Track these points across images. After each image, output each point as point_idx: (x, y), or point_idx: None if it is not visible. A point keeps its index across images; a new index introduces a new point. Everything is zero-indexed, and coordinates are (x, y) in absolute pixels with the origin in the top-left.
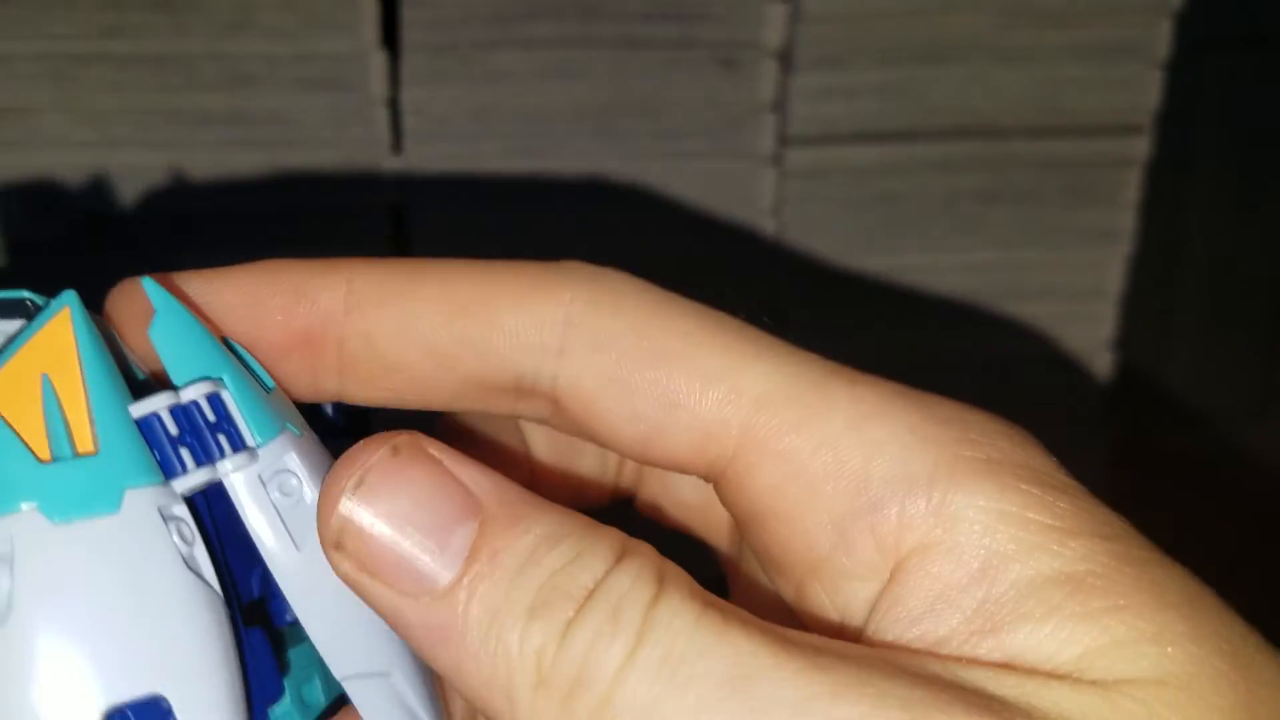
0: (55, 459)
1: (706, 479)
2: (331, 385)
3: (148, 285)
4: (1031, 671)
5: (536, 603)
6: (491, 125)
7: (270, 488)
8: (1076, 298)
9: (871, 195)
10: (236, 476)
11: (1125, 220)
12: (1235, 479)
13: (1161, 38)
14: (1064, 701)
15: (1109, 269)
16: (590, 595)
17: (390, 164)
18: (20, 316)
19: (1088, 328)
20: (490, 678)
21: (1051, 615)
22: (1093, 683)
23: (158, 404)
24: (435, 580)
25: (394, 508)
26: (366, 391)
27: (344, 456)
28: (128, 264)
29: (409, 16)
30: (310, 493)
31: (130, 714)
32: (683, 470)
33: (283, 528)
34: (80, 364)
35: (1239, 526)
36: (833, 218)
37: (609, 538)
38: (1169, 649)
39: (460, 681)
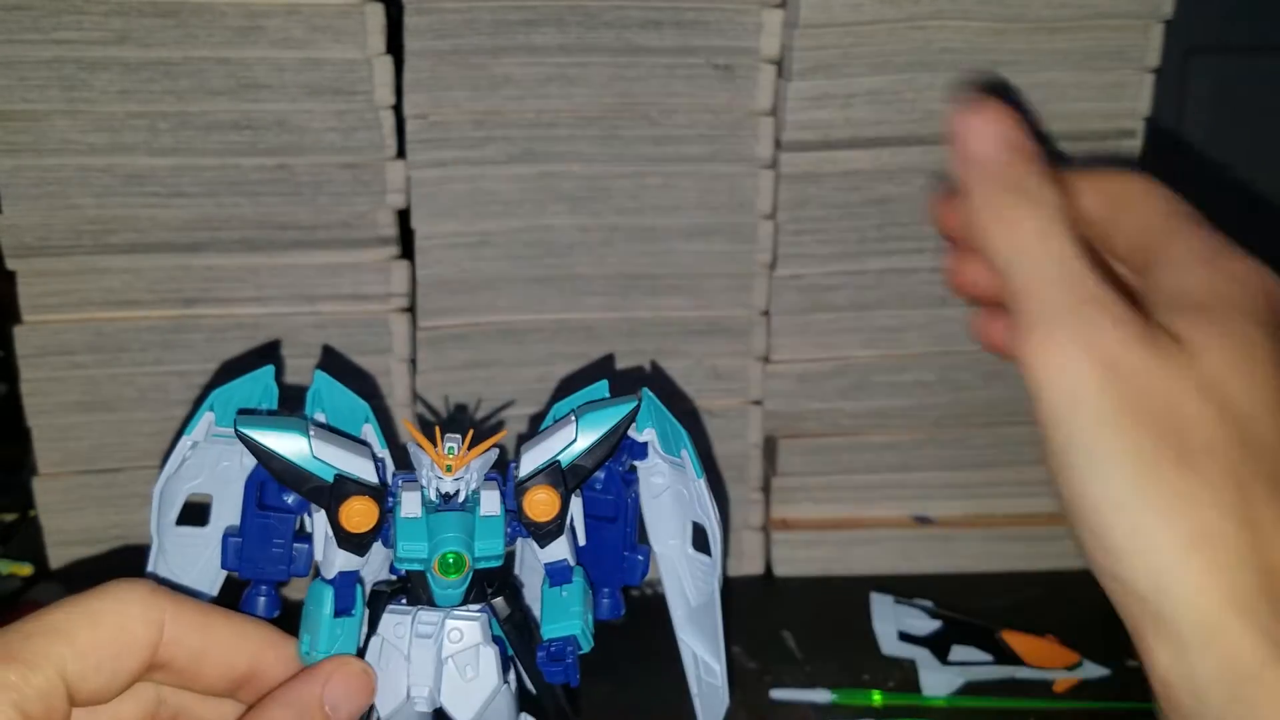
0: None
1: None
2: None
3: None
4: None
5: (1017, 182)
6: (494, 130)
7: None
8: None
9: (865, 199)
10: None
11: None
12: None
13: (1153, 44)
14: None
15: None
16: (1031, 195)
17: (394, 168)
18: None
19: None
20: (988, 194)
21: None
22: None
23: None
24: (992, 157)
25: (989, 129)
26: None
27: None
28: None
29: (413, 24)
30: None
31: None
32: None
33: None
34: None
35: None
36: (827, 221)
37: (1053, 184)
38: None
39: (977, 190)
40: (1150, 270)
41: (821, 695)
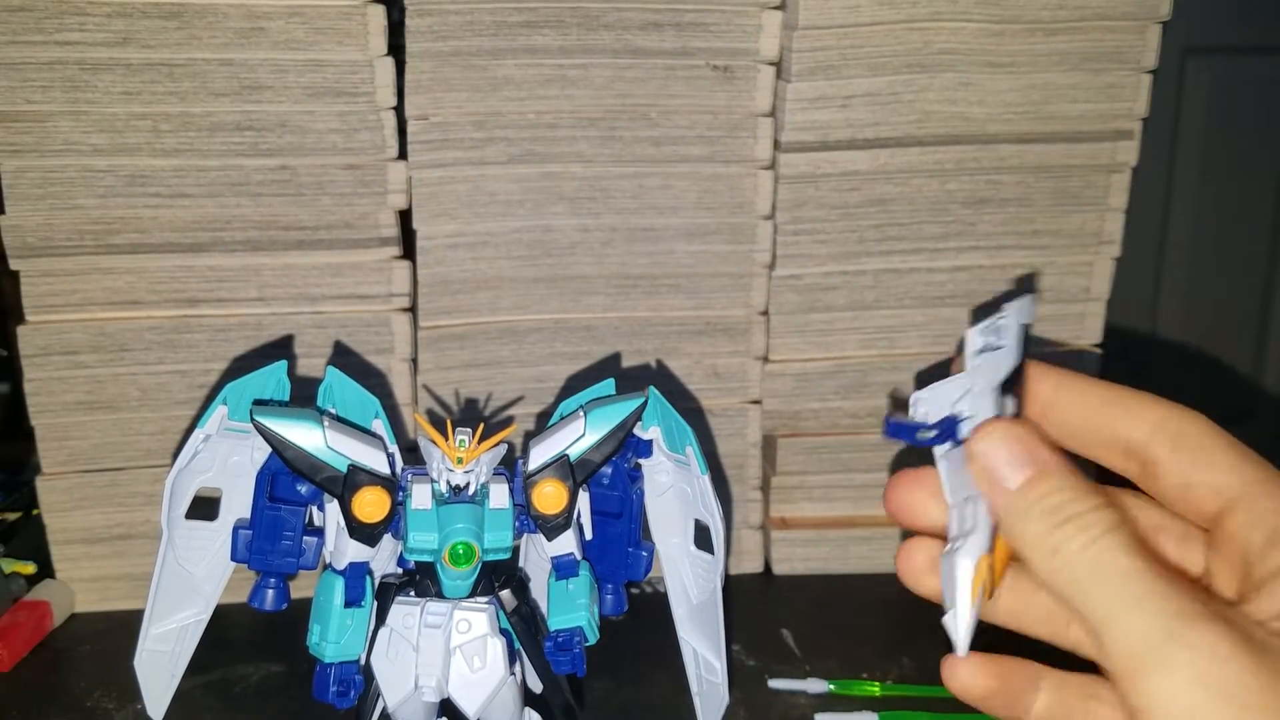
0: None
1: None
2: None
3: None
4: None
5: (1050, 507)
6: (494, 131)
7: None
8: (1065, 300)
9: (864, 200)
10: None
11: (1113, 223)
12: None
13: (1150, 45)
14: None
15: (1097, 271)
16: (1070, 518)
17: (396, 169)
18: None
19: (1076, 329)
20: (1023, 530)
21: None
22: None
23: None
24: (1009, 484)
25: (998, 453)
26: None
27: (986, 422)
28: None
29: (414, 26)
30: None
31: None
32: (1198, 518)
33: None
34: None
35: None
36: (826, 221)
37: (1091, 496)
38: None
39: (1005, 524)
40: (1239, 535)
41: (818, 685)
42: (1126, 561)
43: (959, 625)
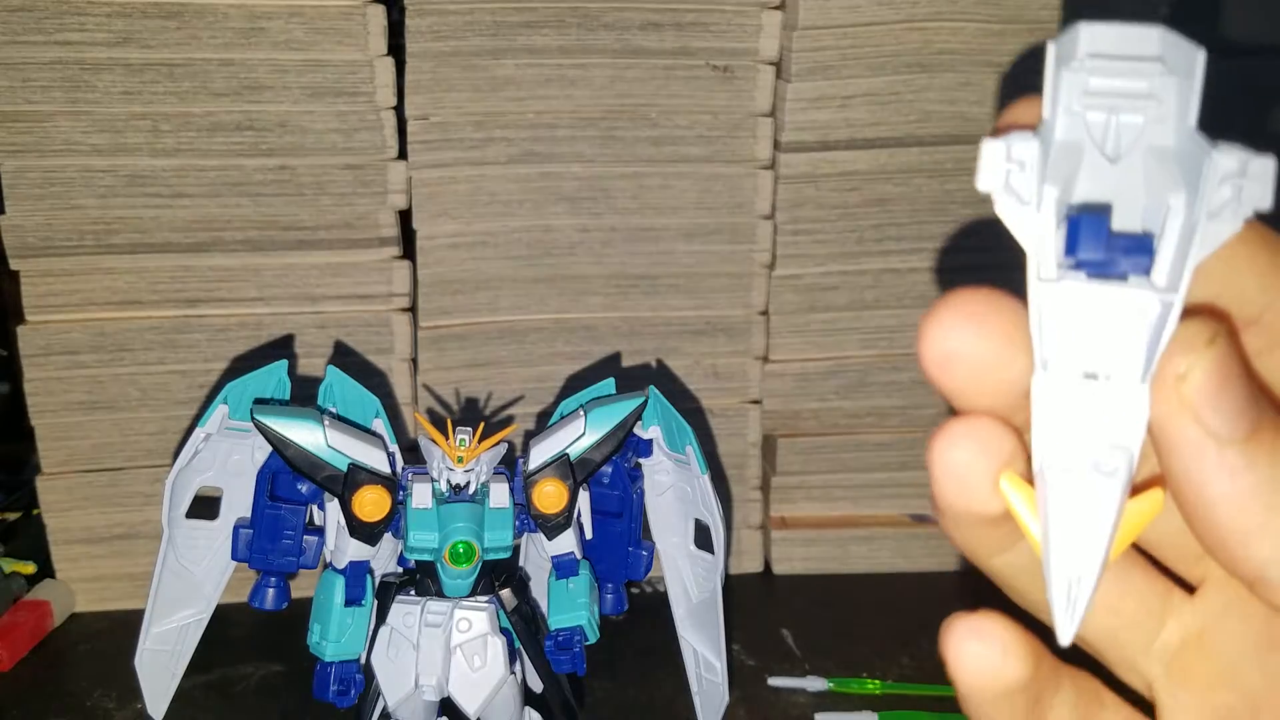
0: None
1: None
2: None
3: None
4: None
5: None
6: (494, 131)
7: None
8: None
9: (863, 199)
10: None
11: None
12: None
13: None
14: None
15: None
16: None
17: (396, 169)
18: None
19: None
20: (1250, 507)
21: None
22: None
23: None
24: (1230, 434)
25: (1213, 377)
26: None
27: (1191, 328)
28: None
29: (414, 26)
30: None
31: None
32: None
33: None
34: None
35: None
36: (825, 221)
37: None
38: None
39: (1219, 504)
40: None
41: (818, 683)
42: None
43: (1082, 589)
